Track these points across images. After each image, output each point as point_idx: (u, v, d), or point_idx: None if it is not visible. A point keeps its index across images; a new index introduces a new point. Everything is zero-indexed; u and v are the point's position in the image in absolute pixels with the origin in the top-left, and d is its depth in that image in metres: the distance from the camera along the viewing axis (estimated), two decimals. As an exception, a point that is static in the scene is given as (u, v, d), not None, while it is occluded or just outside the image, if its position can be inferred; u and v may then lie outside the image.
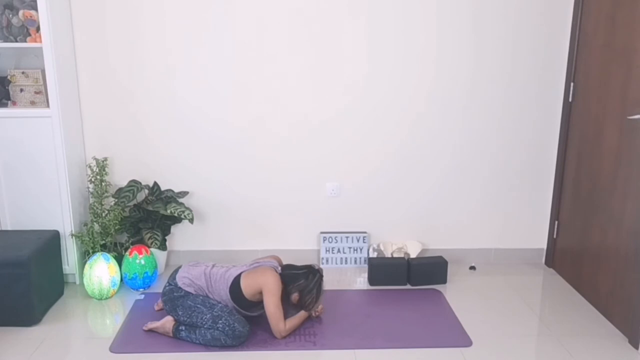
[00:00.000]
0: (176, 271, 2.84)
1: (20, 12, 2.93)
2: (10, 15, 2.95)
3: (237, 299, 2.69)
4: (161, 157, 3.42)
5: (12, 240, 2.93)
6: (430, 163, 3.50)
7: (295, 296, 2.75)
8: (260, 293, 2.67)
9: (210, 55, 3.28)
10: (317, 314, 2.87)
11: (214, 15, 3.22)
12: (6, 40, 2.98)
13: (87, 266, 3.08)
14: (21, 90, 3.03)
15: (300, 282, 2.75)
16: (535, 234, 3.64)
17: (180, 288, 2.71)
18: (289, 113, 3.38)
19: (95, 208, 3.22)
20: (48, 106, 3.02)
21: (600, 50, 3.03)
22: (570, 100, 3.34)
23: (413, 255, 3.47)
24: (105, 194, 3.25)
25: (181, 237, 3.55)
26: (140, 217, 3.34)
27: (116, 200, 3.26)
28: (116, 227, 3.20)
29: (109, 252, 3.19)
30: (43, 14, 2.88)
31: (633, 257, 2.70)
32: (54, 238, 3.05)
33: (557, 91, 3.41)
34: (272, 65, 3.31)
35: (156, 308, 2.97)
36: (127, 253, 3.16)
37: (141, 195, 3.37)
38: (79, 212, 3.25)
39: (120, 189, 3.31)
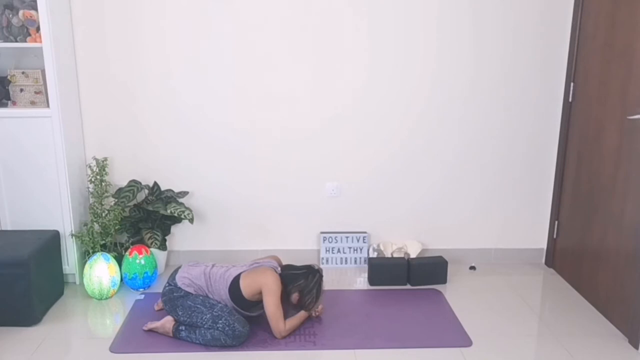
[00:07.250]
0: (176, 271, 2.84)
1: (20, 12, 2.92)
2: (10, 15, 2.95)
3: (237, 299, 2.69)
4: (161, 157, 3.42)
5: (12, 240, 2.92)
6: (430, 163, 3.50)
7: (295, 296, 2.75)
8: (260, 293, 2.67)
9: (210, 55, 3.27)
10: (317, 314, 2.87)
11: (214, 16, 3.22)
12: (6, 40, 2.98)
13: (87, 266, 3.08)
14: (21, 90, 3.03)
15: (300, 282, 2.75)
16: (535, 234, 3.64)
17: (180, 288, 2.71)
18: (290, 113, 3.38)
19: (95, 208, 3.22)
20: (48, 106, 3.02)
21: (600, 50, 3.02)
22: (570, 100, 3.34)
23: (413, 255, 3.46)
24: (105, 194, 3.25)
25: (181, 237, 3.55)
26: (140, 217, 3.34)
27: (116, 200, 3.26)
28: (116, 227, 3.21)
29: (109, 252, 3.19)
30: (43, 14, 2.88)
31: (633, 257, 2.70)
32: (54, 238, 3.05)
33: (557, 91, 3.41)
34: (273, 66, 3.31)
35: (156, 308, 2.97)
36: (127, 253, 3.16)
37: (141, 195, 3.37)
38: (79, 212, 3.25)
39: (120, 189, 3.31)
